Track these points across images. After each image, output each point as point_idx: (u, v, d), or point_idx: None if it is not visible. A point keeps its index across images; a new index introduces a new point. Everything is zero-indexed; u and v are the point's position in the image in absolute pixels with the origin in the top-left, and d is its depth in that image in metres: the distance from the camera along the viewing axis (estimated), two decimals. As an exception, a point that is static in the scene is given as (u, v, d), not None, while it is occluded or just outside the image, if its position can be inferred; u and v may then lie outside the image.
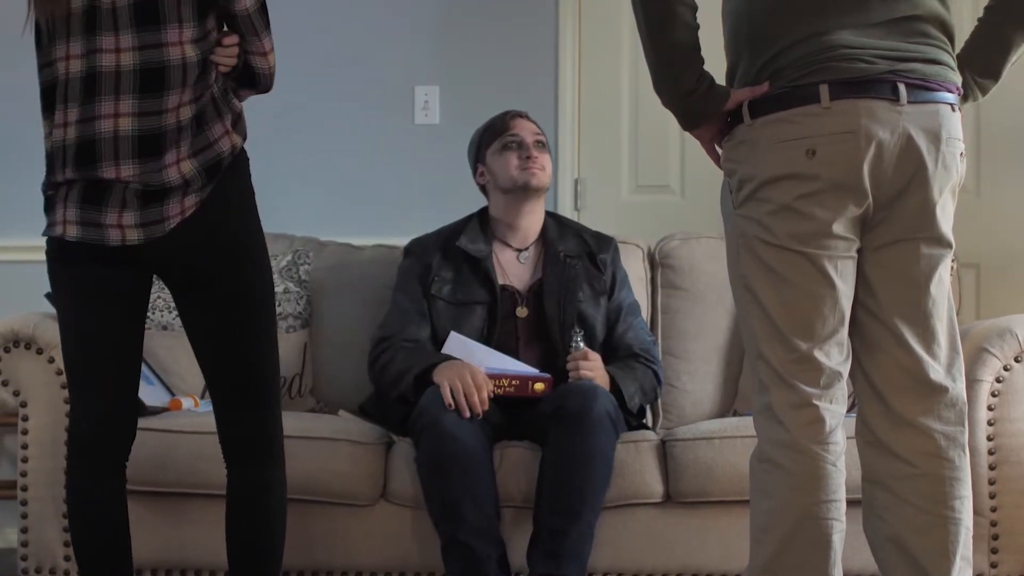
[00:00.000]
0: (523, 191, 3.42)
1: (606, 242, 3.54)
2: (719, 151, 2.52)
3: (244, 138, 2.61)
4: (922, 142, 2.32)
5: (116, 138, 2.48)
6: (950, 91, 2.38)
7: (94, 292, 2.57)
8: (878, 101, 2.31)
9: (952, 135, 2.36)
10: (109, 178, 2.49)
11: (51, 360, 3.24)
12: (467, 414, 3.06)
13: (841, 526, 2.37)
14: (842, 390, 2.40)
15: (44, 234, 2.59)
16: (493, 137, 3.48)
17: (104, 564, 2.60)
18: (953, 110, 2.38)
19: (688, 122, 2.50)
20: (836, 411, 2.39)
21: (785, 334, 2.37)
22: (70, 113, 2.51)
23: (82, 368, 2.60)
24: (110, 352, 2.59)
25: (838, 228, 2.34)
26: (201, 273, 2.56)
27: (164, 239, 2.50)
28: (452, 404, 3.06)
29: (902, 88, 2.32)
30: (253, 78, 2.64)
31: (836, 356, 2.39)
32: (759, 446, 2.43)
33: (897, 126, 2.31)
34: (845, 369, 2.41)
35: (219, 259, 2.55)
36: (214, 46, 2.55)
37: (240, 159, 2.60)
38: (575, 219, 4.35)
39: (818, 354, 2.37)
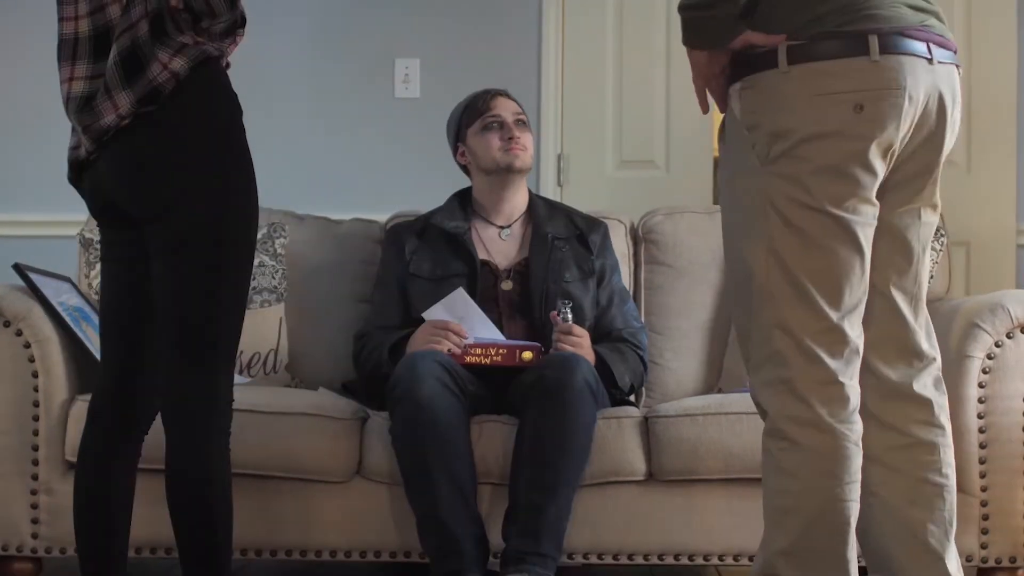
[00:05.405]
0: (506, 172, 3.40)
1: (596, 225, 3.52)
2: (710, 92, 2.34)
3: (194, 59, 2.39)
4: (944, 104, 2.26)
5: (69, 100, 2.43)
6: (955, 52, 2.31)
7: (109, 257, 2.55)
8: (917, 59, 2.21)
9: (958, 100, 2.30)
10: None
11: (19, 333, 3.17)
12: (456, 349, 3.12)
13: (857, 507, 2.29)
14: (859, 367, 2.31)
15: None
16: (474, 117, 3.43)
17: (99, 536, 2.54)
18: (959, 72, 2.31)
19: (691, 38, 2.29)
20: (857, 389, 2.29)
21: (817, 301, 2.24)
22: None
23: (102, 336, 2.58)
24: (118, 321, 2.53)
25: (871, 193, 2.23)
26: (135, 205, 2.41)
27: (98, 164, 2.41)
28: (445, 349, 3.11)
29: (933, 47, 2.23)
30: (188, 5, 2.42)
31: (857, 328, 2.29)
32: (774, 423, 2.29)
33: (931, 86, 2.23)
34: (861, 344, 2.31)
35: (152, 192, 2.39)
36: None
37: (194, 81, 2.39)
38: (558, 195, 4.34)
39: (845, 325, 2.26)
